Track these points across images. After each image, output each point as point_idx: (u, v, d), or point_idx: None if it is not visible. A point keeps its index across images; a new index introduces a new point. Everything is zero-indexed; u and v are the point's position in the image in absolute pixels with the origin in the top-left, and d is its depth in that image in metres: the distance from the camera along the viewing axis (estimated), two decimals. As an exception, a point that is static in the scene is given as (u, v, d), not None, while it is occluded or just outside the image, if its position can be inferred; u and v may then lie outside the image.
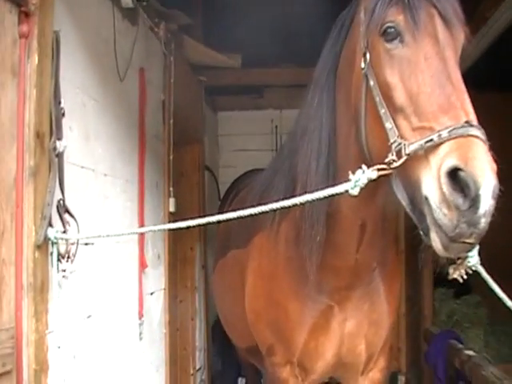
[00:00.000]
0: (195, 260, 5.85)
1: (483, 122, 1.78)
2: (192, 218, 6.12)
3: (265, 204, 2.91)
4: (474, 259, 1.85)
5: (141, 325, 3.85)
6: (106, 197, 3.28)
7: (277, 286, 2.75)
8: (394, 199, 2.89)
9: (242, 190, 4.42)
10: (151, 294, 4.21)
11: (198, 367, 5.83)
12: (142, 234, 3.90)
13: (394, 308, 2.85)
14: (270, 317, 2.82)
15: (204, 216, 5.99)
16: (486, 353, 5.58)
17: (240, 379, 6.14)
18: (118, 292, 3.46)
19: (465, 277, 1.91)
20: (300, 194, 2.49)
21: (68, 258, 2.46)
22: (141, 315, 3.85)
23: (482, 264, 1.94)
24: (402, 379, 6.93)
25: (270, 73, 6.29)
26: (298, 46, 5.79)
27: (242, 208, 3.39)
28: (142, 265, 3.92)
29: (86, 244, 2.91)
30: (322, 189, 1.99)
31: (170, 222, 4.62)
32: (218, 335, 6.32)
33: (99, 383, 3.08)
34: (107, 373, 3.20)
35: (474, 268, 1.88)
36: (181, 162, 5.53)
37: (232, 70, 5.89)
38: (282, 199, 2.74)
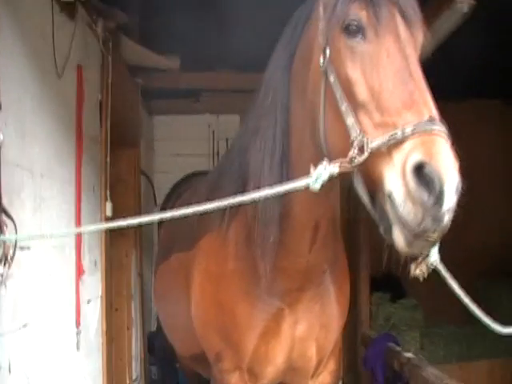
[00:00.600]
0: (131, 267, 5.68)
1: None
2: (128, 227, 5.97)
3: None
4: (434, 256, 1.84)
5: (78, 334, 3.68)
6: (42, 198, 3.10)
7: (225, 288, 2.67)
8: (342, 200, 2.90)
9: (185, 191, 4.31)
10: (88, 301, 4.03)
11: (134, 377, 5.64)
12: (79, 239, 3.73)
13: (345, 309, 2.82)
14: (219, 322, 2.72)
15: (140, 225, 5.89)
16: (421, 355, 5.66)
17: (177, 387, 6.00)
18: (54, 299, 3.28)
19: (425, 275, 1.89)
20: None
21: (5, 261, 2.29)
22: (78, 323, 3.67)
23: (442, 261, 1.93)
24: (339, 384, 6.98)
25: (207, 76, 6.19)
26: (235, 50, 5.74)
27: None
28: (80, 271, 3.75)
29: (22, 248, 2.74)
30: (280, 184, 1.94)
31: (106, 236, 4.48)
32: (155, 344, 6.18)
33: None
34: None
35: (434, 265, 1.85)
36: (117, 166, 5.36)
37: (169, 73, 5.78)
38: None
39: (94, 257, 4.21)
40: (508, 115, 7.59)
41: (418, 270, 1.85)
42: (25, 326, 2.76)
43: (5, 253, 2.28)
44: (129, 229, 5.66)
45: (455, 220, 1.70)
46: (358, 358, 6.39)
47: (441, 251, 1.86)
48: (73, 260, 3.65)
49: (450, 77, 5.80)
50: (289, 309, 2.61)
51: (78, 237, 3.73)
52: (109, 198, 4.50)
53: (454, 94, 6.48)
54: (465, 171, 1.71)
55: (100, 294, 4.35)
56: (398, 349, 5.16)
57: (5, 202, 2.42)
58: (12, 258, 2.36)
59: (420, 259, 1.83)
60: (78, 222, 3.75)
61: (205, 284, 2.82)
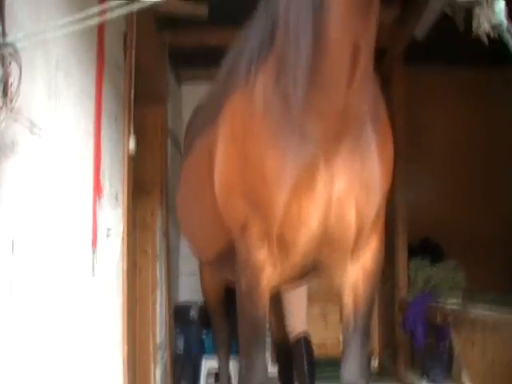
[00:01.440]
0: (156, 226, 5.44)
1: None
2: (153, 184, 5.73)
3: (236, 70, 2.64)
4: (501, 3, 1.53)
5: (94, 258, 3.43)
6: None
7: (253, 140, 2.36)
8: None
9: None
10: (108, 233, 3.79)
11: (158, 344, 5.37)
12: (98, 155, 3.51)
13: (389, 170, 2.45)
14: (246, 183, 2.42)
15: (167, 184, 5.65)
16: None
17: (204, 360, 5.69)
18: (66, 206, 3.05)
19: (486, 36, 1.56)
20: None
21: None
22: (94, 246, 3.43)
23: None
24: (374, 362, 6.58)
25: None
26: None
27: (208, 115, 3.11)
28: (97, 190, 3.52)
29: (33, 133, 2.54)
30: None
31: (128, 163, 4.27)
32: (180, 314, 5.93)
33: (45, 320, 2.67)
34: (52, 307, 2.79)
35: (498, 20, 1.53)
36: (142, 124, 5.18)
37: (196, 28, 5.59)
38: (259, 54, 2.47)
39: (115, 190, 3.99)
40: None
41: (482, 28, 1.54)
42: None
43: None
44: (154, 187, 5.47)
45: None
46: (394, 334, 6.05)
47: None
48: (90, 174, 3.43)
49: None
50: (325, 161, 2.27)
51: (97, 153, 3.52)
52: (132, 131, 4.30)
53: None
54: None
55: (121, 231, 4.12)
56: (440, 305, 4.82)
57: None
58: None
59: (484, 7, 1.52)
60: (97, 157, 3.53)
61: (229, 146, 2.52)
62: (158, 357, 5.34)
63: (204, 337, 5.81)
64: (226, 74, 2.90)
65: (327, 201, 2.32)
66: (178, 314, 5.90)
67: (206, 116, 3.09)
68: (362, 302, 2.52)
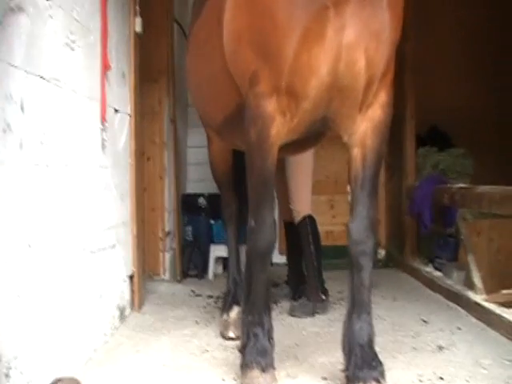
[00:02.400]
0: (164, 115, 5.42)
1: None
2: (160, 72, 5.64)
3: None
4: None
5: (104, 131, 3.45)
6: None
7: None
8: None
9: None
10: (116, 111, 3.80)
11: (167, 231, 5.48)
12: (105, 33, 3.45)
13: (398, 21, 2.42)
14: (254, 32, 2.40)
15: (173, 72, 5.56)
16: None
17: (212, 247, 5.82)
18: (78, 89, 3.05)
19: None
20: None
21: None
22: (104, 118, 3.44)
23: None
24: (381, 253, 6.74)
25: None
26: None
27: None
28: (105, 65, 3.49)
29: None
30: None
31: (135, 42, 4.20)
32: (188, 203, 6.00)
33: (55, 195, 2.72)
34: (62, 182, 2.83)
35: None
36: (149, 9, 5.03)
37: None
38: None
39: (122, 67, 3.96)
40: None
41: None
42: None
43: None
44: (161, 75, 5.40)
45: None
46: (401, 226, 6.13)
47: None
48: (98, 49, 3.39)
49: None
50: (334, 9, 2.26)
51: (104, 29, 3.46)
52: (138, 13, 4.21)
53: None
54: None
55: (129, 111, 4.12)
56: (448, 185, 4.86)
57: None
58: None
59: None
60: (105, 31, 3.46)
61: None
62: (167, 243, 5.46)
63: (213, 225, 5.91)
64: None
65: (337, 49, 2.31)
66: (187, 203, 5.96)
67: None
68: (370, 154, 2.56)
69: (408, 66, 5.82)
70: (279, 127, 2.50)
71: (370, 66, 2.38)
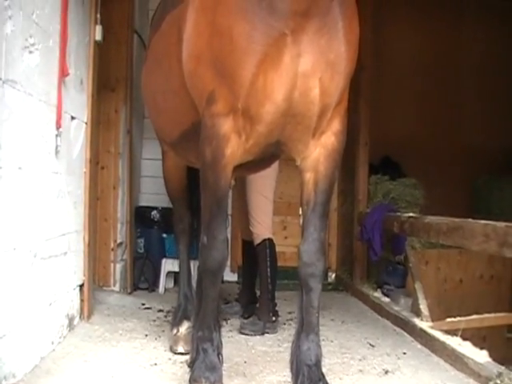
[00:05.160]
0: (120, 124, 5.36)
1: None
2: (118, 81, 5.59)
3: None
4: None
5: (58, 136, 3.39)
6: None
7: (222, 11, 2.35)
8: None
9: None
10: (72, 117, 3.75)
11: (119, 241, 5.40)
12: (64, 39, 3.42)
13: (354, 50, 2.49)
14: (213, 52, 2.41)
15: (132, 82, 5.52)
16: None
17: (164, 261, 5.77)
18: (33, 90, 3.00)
19: None
20: None
21: None
22: (59, 126, 3.38)
23: None
24: (331, 276, 6.80)
25: None
26: None
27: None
28: (63, 70, 3.44)
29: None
30: None
31: (94, 50, 4.16)
32: (142, 215, 5.95)
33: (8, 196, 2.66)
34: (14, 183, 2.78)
35: None
36: (109, 18, 5.00)
37: None
38: None
39: (80, 74, 3.92)
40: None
41: None
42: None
43: None
44: (119, 84, 5.36)
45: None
46: (352, 251, 6.21)
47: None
48: (56, 53, 3.35)
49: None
50: (292, 37, 2.30)
51: (64, 33, 3.42)
52: (99, 21, 4.18)
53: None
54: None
55: (85, 119, 4.07)
56: (398, 213, 4.95)
57: None
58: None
59: None
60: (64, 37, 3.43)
61: (199, 16, 2.48)
62: (119, 254, 5.38)
63: (165, 239, 5.87)
64: None
65: (293, 76, 2.35)
66: (140, 216, 5.92)
67: None
68: (322, 180, 2.61)
69: (363, 95, 5.97)
70: (234, 148, 2.51)
71: (325, 95, 2.43)
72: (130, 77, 5.42)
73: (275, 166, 4.13)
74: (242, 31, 2.30)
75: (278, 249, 4.45)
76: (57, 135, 3.37)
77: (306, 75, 2.36)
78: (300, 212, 2.74)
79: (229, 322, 4.44)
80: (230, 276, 6.16)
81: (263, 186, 4.32)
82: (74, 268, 3.87)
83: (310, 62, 2.34)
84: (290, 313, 4.69)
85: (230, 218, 4.78)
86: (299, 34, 2.31)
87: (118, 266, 5.36)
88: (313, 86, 2.39)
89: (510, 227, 2.99)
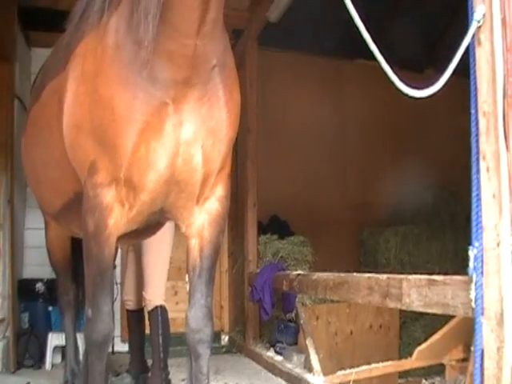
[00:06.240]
0: (0, 193, 5.18)
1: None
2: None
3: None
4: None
5: None
6: None
7: (103, 81, 2.38)
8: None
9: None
10: None
11: (1, 317, 5.12)
12: None
13: (235, 118, 2.59)
14: (94, 122, 2.43)
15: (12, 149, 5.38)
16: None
17: (50, 335, 5.52)
18: None
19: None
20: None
21: None
22: None
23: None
24: (224, 339, 6.79)
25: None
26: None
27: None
28: None
29: None
30: None
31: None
32: (25, 289, 5.71)
33: None
34: None
35: None
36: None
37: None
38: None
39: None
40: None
41: None
42: None
43: None
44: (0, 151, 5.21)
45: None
46: (244, 311, 6.26)
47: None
48: None
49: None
50: (174, 105, 2.37)
51: None
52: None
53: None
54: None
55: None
56: (287, 272, 5.08)
57: None
58: None
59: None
60: None
61: (80, 87, 2.51)
62: (0, 332, 5.10)
63: (51, 312, 5.65)
64: (75, 24, 2.83)
65: (175, 144, 2.42)
66: (23, 289, 5.67)
67: (55, 64, 3.02)
68: (207, 245, 2.66)
69: (249, 157, 6.17)
70: (117, 217, 2.52)
71: (207, 162, 2.51)
72: (11, 143, 5.29)
73: (172, 228, 4.15)
74: (123, 101, 2.34)
75: (170, 315, 4.40)
76: None
77: (188, 143, 2.43)
78: (187, 278, 2.77)
79: (120, 394, 4.28)
80: (120, 346, 5.99)
81: (161, 249, 4.29)
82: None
83: (191, 130, 2.42)
84: (183, 380, 4.59)
85: (119, 286, 4.67)
86: (181, 103, 2.38)
87: (0, 345, 5.07)
88: (195, 153, 2.46)
89: (392, 279, 3.15)
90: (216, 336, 6.22)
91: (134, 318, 4.47)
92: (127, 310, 4.61)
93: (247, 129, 5.97)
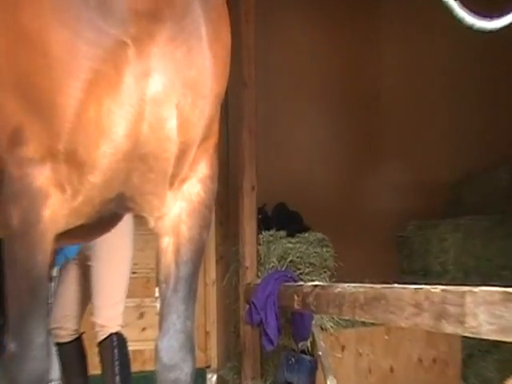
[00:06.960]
0: None
1: None
2: None
3: None
4: None
5: None
6: None
7: (28, 8, 2.26)
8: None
9: None
10: None
11: None
12: None
13: (223, 68, 2.51)
14: (18, 70, 2.33)
15: None
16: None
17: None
18: None
19: None
20: None
21: None
22: None
23: None
24: (211, 378, 6.81)
25: None
26: None
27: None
28: None
29: None
30: None
31: None
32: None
33: None
34: None
35: None
36: None
37: None
38: None
39: None
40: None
41: None
42: None
43: None
44: None
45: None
46: (238, 340, 6.29)
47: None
48: None
49: None
50: (136, 48, 2.25)
51: None
52: None
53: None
54: None
55: None
56: (299, 283, 5.08)
57: None
58: None
59: None
60: None
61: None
62: None
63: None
64: None
65: (138, 103, 2.32)
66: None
67: None
68: (186, 245, 2.62)
69: (246, 123, 6.07)
70: (56, 207, 2.45)
71: (185, 128, 2.43)
72: None
73: (131, 223, 4.14)
74: (60, 39, 2.23)
75: (133, 346, 4.42)
76: None
77: (158, 101, 2.35)
78: (157, 293, 2.75)
79: None
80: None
81: (119, 252, 4.30)
82: None
83: (161, 82, 2.34)
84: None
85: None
86: (145, 45, 2.29)
87: None
88: (168, 117, 2.39)
89: (450, 292, 3.08)
90: (199, 375, 6.28)
91: (70, 353, 4.49)
92: (58, 344, 4.54)
93: (242, 82, 5.93)
